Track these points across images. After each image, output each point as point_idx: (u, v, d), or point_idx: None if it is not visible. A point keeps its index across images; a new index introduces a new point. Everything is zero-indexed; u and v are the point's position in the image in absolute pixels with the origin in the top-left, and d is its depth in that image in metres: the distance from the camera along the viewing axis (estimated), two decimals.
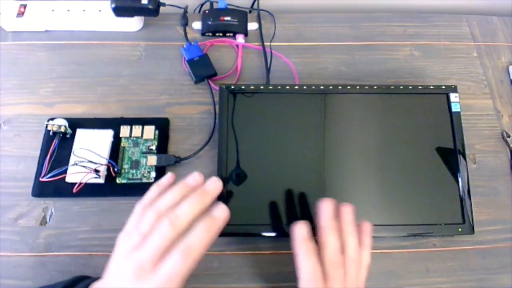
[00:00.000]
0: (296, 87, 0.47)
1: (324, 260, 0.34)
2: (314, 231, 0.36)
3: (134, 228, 0.31)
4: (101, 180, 0.43)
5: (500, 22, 0.60)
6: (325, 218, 0.35)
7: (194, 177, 0.34)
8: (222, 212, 0.32)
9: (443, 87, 0.47)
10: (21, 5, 0.54)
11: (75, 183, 0.42)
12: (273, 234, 0.42)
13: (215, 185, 0.33)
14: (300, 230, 0.35)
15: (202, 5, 0.61)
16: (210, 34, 0.55)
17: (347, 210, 0.36)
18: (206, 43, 0.54)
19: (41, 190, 0.43)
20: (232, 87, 0.46)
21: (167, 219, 0.30)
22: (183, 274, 0.29)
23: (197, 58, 0.51)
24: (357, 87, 0.47)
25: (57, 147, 0.45)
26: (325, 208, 0.36)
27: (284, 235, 0.41)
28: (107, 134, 0.46)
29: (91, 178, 0.43)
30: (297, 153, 0.44)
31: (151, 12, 0.52)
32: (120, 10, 0.51)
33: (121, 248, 0.31)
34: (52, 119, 0.46)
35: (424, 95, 0.47)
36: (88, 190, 0.43)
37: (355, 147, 0.45)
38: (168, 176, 0.35)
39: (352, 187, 0.43)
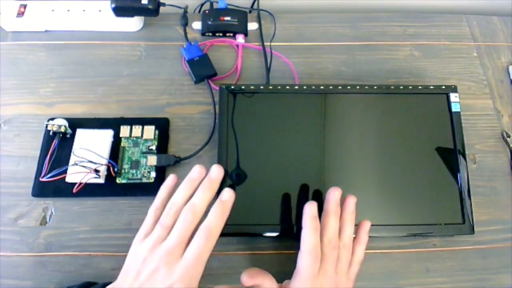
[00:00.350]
0: (296, 87, 0.47)
1: (323, 240, 0.36)
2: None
3: (153, 225, 0.34)
4: (101, 180, 0.43)
5: (500, 22, 0.60)
6: (331, 203, 0.38)
7: (197, 170, 0.36)
8: (229, 195, 0.35)
9: (443, 87, 0.47)
10: (21, 5, 0.54)
11: (75, 183, 0.42)
12: (273, 234, 0.42)
13: (218, 171, 0.36)
14: (310, 208, 0.37)
15: (202, 5, 0.61)
16: (210, 34, 0.55)
17: (351, 201, 0.39)
18: (206, 43, 0.54)
19: (41, 190, 0.43)
20: (232, 87, 0.46)
21: (186, 209, 0.34)
22: (207, 254, 0.33)
23: (197, 58, 0.51)
24: (357, 87, 0.47)
25: (57, 147, 0.45)
26: (332, 195, 0.39)
27: (284, 235, 0.42)
28: (107, 134, 0.46)
29: (91, 178, 0.43)
30: (297, 153, 0.44)
31: (151, 12, 0.52)
32: (120, 10, 0.51)
33: (143, 245, 0.33)
34: (52, 119, 0.46)
35: (424, 95, 0.47)
36: (88, 190, 0.43)
37: (355, 147, 0.45)
38: (171, 177, 0.37)
39: (352, 187, 0.43)
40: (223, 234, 0.41)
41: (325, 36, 0.56)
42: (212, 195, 0.35)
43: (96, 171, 0.43)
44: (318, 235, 0.36)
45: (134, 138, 0.46)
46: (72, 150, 0.44)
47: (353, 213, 0.39)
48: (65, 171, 0.43)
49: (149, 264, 0.31)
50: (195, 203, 0.34)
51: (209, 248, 0.33)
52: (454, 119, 0.46)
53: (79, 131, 0.46)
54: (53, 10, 0.53)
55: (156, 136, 0.47)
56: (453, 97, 0.47)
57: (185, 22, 0.55)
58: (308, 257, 0.35)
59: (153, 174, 0.45)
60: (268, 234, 0.42)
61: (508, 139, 0.50)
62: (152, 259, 0.31)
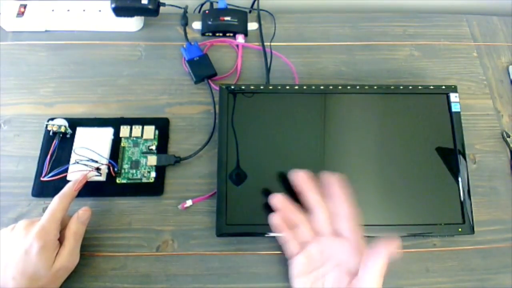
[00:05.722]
0: (296, 87, 0.47)
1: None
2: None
3: None
4: (102, 178, 0.44)
5: (500, 22, 0.60)
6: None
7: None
8: (77, 176, 0.41)
9: (443, 87, 0.47)
10: (21, 5, 0.54)
11: None
12: (273, 234, 0.42)
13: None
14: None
15: (202, 5, 0.61)
16: (210, 34, 0.55)
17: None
18: (206, 43, 0.54)
19: (41, 190, 0.43)
20: (232, 87, 0.46)
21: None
22: (60, 212, 0.39)
23: (197, 58, 0.51)
24: (357, 87, 0.47)
25: (57, 147, 0.45)
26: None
27: None
28: (107, 132, 0.46)
29: (92, 176, 0.43)
30: (297, 153, 0.44)
31: (151, 12, 0.52)
32: (120, 10, 0.51)
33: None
34: (52, 119, 0.46)
35: (424, 95, 0.47)
36: (88, 190, 0.43)
37: (355, 147, 0.45)
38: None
39: (352, 187, 0.43)
40: (223, 234, 0.41)
41: (325, 36, 0.56)
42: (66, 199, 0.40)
43: (97, 169, 0.43)
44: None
45: (134, 138, 0.46)
46: (73, 149, 0.44)
47: None
48: (66, 170, 0.43)
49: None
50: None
51: (61, 207, 0.38)
52: (454, 119, 0.46)
53: (79, 130, 0.46)
54: (53, 10, 0.53)
55: (156, 136, 0.47)
56: (453, 97, 0.47)
57: (185, 22, 0.55)
58: None
59: (153, 174, 0.45)
60: (268, 234, 0.42)
61: (508, 139, 0.50)
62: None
